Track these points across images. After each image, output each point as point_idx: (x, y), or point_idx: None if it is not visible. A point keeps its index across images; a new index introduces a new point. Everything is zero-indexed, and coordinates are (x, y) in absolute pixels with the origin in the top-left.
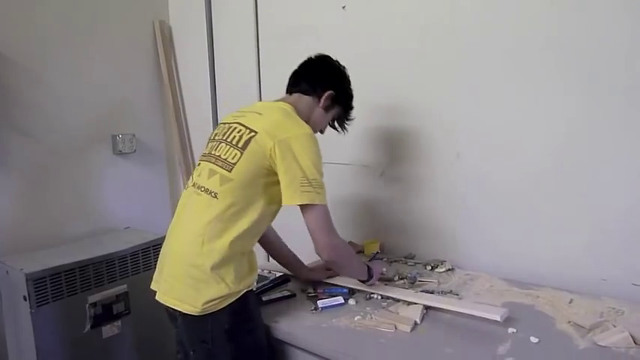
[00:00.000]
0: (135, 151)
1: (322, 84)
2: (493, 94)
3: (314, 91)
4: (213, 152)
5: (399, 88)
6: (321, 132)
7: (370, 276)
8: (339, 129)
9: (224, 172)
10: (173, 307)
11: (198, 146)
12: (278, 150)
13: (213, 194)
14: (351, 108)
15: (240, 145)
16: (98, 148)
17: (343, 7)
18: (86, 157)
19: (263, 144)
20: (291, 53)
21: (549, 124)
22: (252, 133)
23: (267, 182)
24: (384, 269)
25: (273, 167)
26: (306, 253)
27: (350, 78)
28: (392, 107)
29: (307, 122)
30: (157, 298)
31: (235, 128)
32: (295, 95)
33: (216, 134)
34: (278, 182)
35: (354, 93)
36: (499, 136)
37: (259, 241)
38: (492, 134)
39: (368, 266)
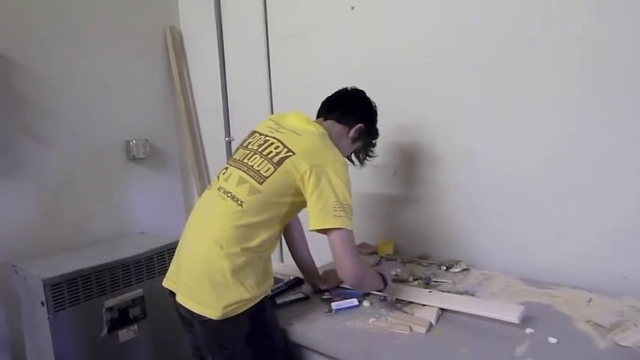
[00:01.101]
0: (148, 156)
1: (355, 116)
2: (506, 92)
3: (346, 121)
4: (245, 160)
5: (409, 86)
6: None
7: (385, 284)
8: (357, 162)
9: (255, 183)
10: (193, 309)
11: (211, 150)
12: (313, 174)
13: (239, 202)
14: (374, 145)
15: (275, 160)
16: (112, 153)
17: (352, 8)
18: (100, 162)
19: (298, 166)
20: (300, 55)
21: (563, 119)
22: (290, 154)
23: (293, 201)
24: (394, 272)
25: (301, 189)
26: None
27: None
28: (403, 106)
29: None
30: (177, 299)
31: (273, 143)
32: (329, 122)
33: (249, 142)
34: (302, 201)
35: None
36: (512, 133)
37: (283, 234)
38: (505, 131)
39: (382, 275)
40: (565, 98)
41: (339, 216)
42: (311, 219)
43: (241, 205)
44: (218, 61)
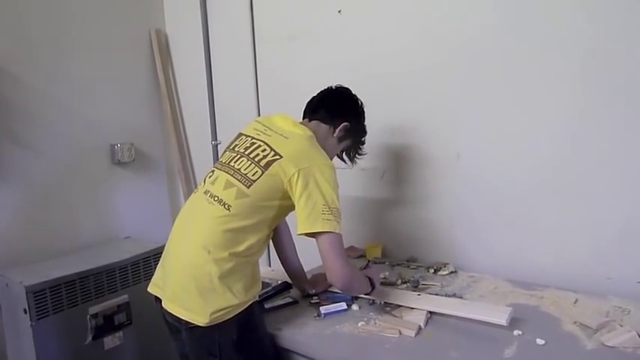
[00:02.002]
0: (134, 160)
1: (340, 114)
2: (494, 95)
3: (331, 120)
4: (232, 164)
5: (397, 90)
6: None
7: (373, 286)
8: (347, 161)
9: (242, 186)
10: (180, 316)
11: (197, 154)
12: (301, 177)
13: (226, 206)
14: (363, 143)
15: (262, 164)
16: (96, 157)
17: (339, 12)
18: (84, 167)
19: (286, 169)
20: (287, 57)
21: (551, 125)
22: (277, 157)
23: (281, 204)
24: (382, 275)
25: (289, 192)
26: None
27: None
28: (391, 109)
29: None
30: (163, 305)
31: (260, 146)
32: (314, 123)
33: (235, 145)
34: (290, 204)
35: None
36: (500, 136)
37: (272, 238)
38: (493, 134)
39: (369, 278)
40: (554, 101)
41: (328, 219)
42: (299, 223)
43: (229, 210)
44: (204, 64)
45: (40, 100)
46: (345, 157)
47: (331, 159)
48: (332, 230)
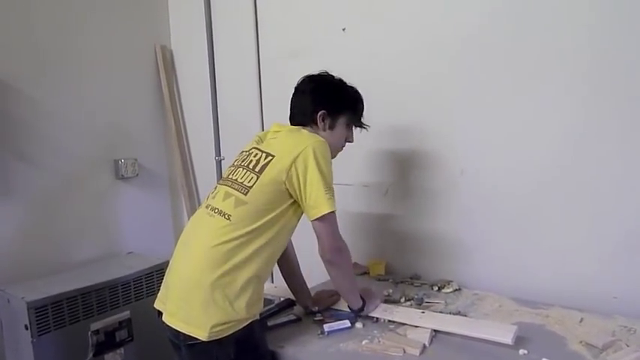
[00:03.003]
0: (137, 175)
1: (311, 109)
2: (495, 110)
3: (310, 119)
4: (230, 176)
5: (400, 107)
6: (343, 147)
7: (361, 309)
8: (360, 129)
9: (239, 194)
10: (179, 329)
11: (201, 170)
12: (299, 165)
13: (226, 216)
14: (356, 105)
15: (257, 169)
16: (100, 172)
17: (343, 30)
18: (88, 182)
19: (281, 166)
20: (292, 75)
21: (555, 139)
22: (270, 157)
23: (282, 209)
24: (386, 292)
25: (289, 191)
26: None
27: (335, 81)
28: (393, 127)
29: None
30: (163, 319)
31: (252, 153)
32: (297, 128)
33: (236, 160)
34: (292, 207)
35: None
36: (503, 152)
37: None
38: (496, 150)
39: (362, 298)
40: (557, 117)
41: (330, 199)
42: (310, 209)
43: (229, 219)
44: (209, 80)
45: (44, 114)
46: (356, 129)
47: (336, 151)
48: (332, 209)
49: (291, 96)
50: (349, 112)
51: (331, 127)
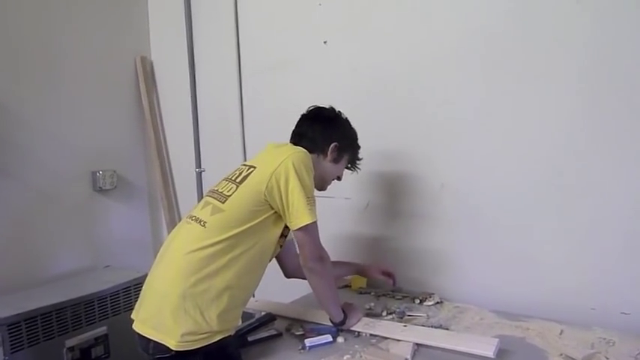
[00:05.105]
0: (115, 187)
1: (325, 138)
2: (475, 124)
3: (319, 146)
4: (214, 188)
5: (380, 121)
6: (339, 179)
7: (342, 322)
8: (352, 170)
9: (217, 202)
10: (149, 336)
11: (181, 182)
12: (281, 175)
13: (202, 223)
14: (358, 148)
15: (238, 180)
16: (77, 184)
17: (324, 42)
18: (64, 194)
19: (262, 176)
20: (273, 87)
21: (535, 154)
22: (252, 169)
23: (260, 220)
24: (367, 306)
25: (268, 200)
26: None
27: (347, 120)
28: (373, 140)
29: (318, 177)
30: (133, 326)
31: (238, 168)
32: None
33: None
34: (271, 218)
35: None
36: (483, 167)
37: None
38: (476, 164)
39: (344, 311)
40: (539, 131)
41: (310, 209)
42: (291, 220)
43: (204, 226)
44: (190, 92)
45: (19, 124)
46: (349, 171)
47: (330, 182)
48: (314, 220)
49: (296, 124)
50: (353, 152)
51: (336, 161)
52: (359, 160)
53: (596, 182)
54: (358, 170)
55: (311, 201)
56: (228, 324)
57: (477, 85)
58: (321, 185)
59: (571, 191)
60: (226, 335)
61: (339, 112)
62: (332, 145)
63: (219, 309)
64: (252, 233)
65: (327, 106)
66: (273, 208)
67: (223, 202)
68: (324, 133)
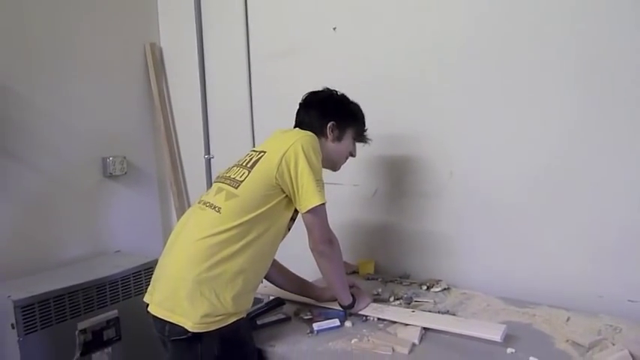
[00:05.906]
0: (125, 173)
1: (319, 122)
2: (485, 113)
3: (319, 131)
4: (225, 174)
5: (391, 106)
6: (352, 155)
7: (351, 305)
8: (364, 143)
9: (230, 188)
10: (165, 318)
11: (190, 168)
12: (291, 158)
13: (217, 209)
14: (361, 121)
15: (249, 165)
16: (88, 170)
17: (334, 29)
18: (75, 180)
19: (272, 160)
20: (282, 74)
21: (544, 141)
22: (262, 154)
23: (273, 204)
24: (375, 291)
25: (280, 183)
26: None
27: (343, 96)
28: (385, 126)
29: (326, 159)
30: (148, 309)
31: (248, 154)
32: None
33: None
34: (283, 202)
35: None
36: (491, 155)
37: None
38: (485, 152)
39: (353, 296)
40: (545, 118)
41: (320, 191)
42: (300, 202)
43: (219, 212)
44: (199, 78)
45: (31, 112)
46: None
47: (342, 161)
48: (323, 201)
49: (296, 113)
50: (355, 126)
51: (339, 139)
52: (364, 131)
53: (606, 171)
54: (369, 142)
55: (320, 183)
56: (241, 307)
57: (490, 75)
58: (332, 166)
59: (579, 180)
60: (240, 317)
61: (334, 91)
62: (329, 125)
63: (234, 291)
64: (266, 218)
65: (321, 89)
66: (284, 192)
67: (236, 188)
68: (319, 116)
